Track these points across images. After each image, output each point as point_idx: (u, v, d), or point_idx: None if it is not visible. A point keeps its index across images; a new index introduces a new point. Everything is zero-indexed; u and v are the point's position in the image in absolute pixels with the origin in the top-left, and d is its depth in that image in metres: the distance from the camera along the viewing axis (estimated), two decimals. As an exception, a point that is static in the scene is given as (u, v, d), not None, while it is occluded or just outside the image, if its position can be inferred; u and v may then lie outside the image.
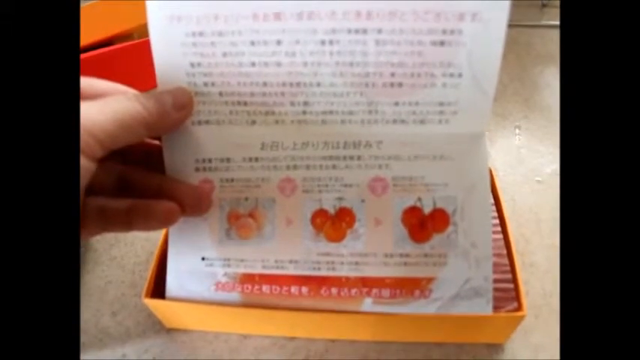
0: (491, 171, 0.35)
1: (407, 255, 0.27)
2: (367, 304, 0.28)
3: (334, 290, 0.28)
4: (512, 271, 0.30)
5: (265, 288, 0.29)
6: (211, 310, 0.29)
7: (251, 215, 0.28)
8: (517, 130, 0.47)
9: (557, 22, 0.61)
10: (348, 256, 0.28)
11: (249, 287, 0.29)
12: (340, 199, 0.27)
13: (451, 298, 0.27)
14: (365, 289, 0.28)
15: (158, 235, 0.32)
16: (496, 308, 0.28)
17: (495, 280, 0.29)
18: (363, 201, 0.27)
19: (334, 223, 0.28)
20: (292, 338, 0.32)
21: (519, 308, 0.28)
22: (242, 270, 0.28)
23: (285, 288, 0.28)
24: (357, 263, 0.28)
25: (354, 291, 0.28)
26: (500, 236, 0.32)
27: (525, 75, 0.54)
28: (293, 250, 0.28)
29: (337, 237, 0.28)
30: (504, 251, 0.31)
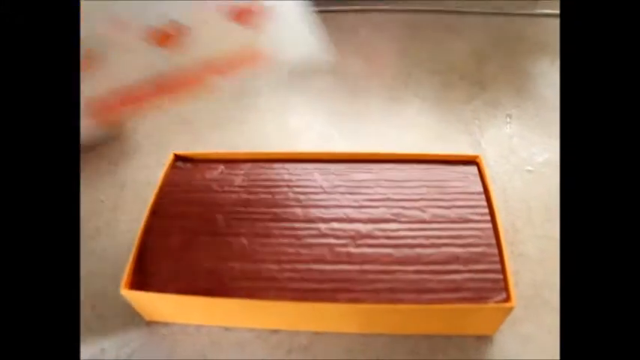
0: (481, 159, 0.34)
1: None
2: None
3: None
4: (501, 261, 0.29)
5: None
6: (191, 302, 0.28)
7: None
8: (508, 119, 0.46)
9: (552, 11, 0.60)
10: None
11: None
12: None
13: None
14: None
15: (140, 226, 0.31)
16: (484, 299, 0.27)
17: (484, 271, 0.28)
18: None
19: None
20: (275, 331, 0.31)
21: (508, 299, 0.27)
22: None
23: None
24: None
25: None
26: (490, 225, 0.31)
27: (516, 64, 0.53)
28: None
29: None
30: (493, 241, 0.30)
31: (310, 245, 0.30)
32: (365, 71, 0.53)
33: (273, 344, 0.30)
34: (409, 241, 0.30)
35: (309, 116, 0.47)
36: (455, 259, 0.29)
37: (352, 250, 0.30)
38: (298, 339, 0.30)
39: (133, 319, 0.32)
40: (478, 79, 0.50)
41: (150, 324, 0.32)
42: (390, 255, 0.29)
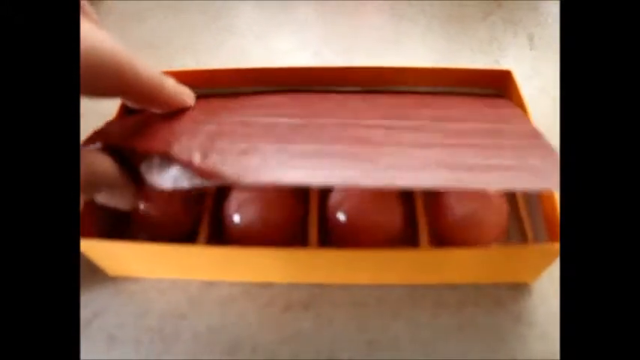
0: (513, 76, 0.28)
1: None
2: None
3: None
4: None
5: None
6: (162, 252, 0.22)
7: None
8: (530, 40, 0.40)
9: None
10: None
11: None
12: None
13: None
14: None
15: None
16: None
17: (526, 205, 0.23)
18: None
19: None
20: (268, 284, 0.25)
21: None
22: None
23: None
24: None
25: None
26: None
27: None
28: None
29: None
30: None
31: None
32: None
33: (266, 300, 0.25)
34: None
35: (297, 41, 0.40)
36: (490, 191, 0.24)
37: None
38: (297, 294, 0.25)
39: (95, 274, 0.26)
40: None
41: (115, 280, 0.26)
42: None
